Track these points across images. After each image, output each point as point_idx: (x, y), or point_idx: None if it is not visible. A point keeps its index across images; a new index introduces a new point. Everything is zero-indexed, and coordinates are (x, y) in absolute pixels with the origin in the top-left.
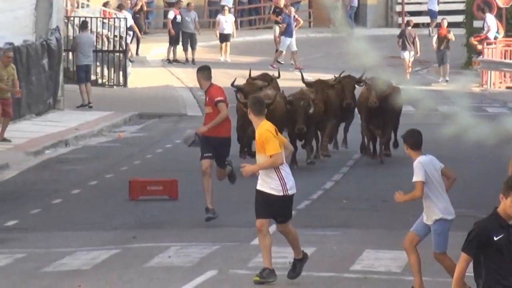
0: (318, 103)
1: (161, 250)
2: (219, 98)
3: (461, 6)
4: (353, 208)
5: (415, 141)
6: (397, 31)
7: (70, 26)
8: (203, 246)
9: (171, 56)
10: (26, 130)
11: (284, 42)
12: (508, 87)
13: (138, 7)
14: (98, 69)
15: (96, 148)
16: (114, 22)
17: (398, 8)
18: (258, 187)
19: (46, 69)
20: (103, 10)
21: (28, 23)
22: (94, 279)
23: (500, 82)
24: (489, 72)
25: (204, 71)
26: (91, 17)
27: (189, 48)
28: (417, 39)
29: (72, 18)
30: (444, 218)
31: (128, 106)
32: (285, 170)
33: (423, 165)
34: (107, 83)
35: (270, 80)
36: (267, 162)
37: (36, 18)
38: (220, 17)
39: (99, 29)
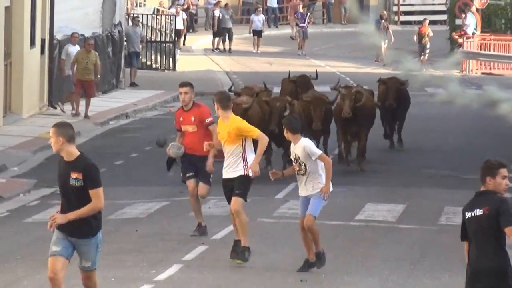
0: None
1: (202, 202)
2: (210, 120)
3: (444, 7)
4: (357, 169)
5: (293, 126)
6: (393, 27)
7: (129, 22)
8: None
9: (220, 46)
10: (94, 105)
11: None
12: (483, 73)
13: (186, 6)
14: (153, 56)
15: (150, 120)
16: (166, 19)
17: (395, 8)
18: (225, 176)
19: (110, 56)
20: (158, 9)
21: (96, 18)
22: (148, 225)
23: (477, 69)
24: (467, 60)
25: (189, 86)
26: (146, 14)
27: (227, 40)
28: (390, 29)
29: (131, 15)
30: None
31: (176, 85)
32: (251, 158)
33: (312, 143)
34: (159, 67)
35: (308, 81)
36: (264, 143)
37: (102, 14)
38: (253, 16)
39: (153, 24)
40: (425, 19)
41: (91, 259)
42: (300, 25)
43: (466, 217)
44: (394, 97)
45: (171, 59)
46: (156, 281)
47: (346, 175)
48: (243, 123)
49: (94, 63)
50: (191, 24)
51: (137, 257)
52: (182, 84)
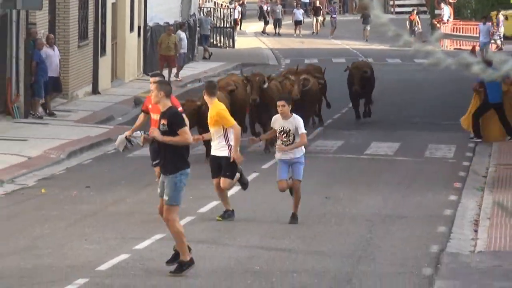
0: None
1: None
2: (179, 109)
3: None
4: (366, 119)
5: (290, 101)
6: (389, 16)
7: (201, 13)
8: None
9: (267, 31)
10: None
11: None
12: (455, 48)
13: (241, 2)
14: (218, 38)
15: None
16: (227, 11)
17: (391, 2)
18: (213, 153)
19: (187, 37)
20: (221, 4)
21: (177, 10)
22: None
23: (451, 45)
24: (444, 40)
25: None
26: (213, 8)
27: (277, 26)
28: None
29: (203, 8)
30: (304, 154)
31: (235, 59)
32: (232, 138)
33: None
34: (222, 46)
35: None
36: (237, 134)
37: (181, 7)
38: (295, 10)
39: (218, 14)
40: (413, 9)
41: (168, 194)
42: (332, 16)
43: None
44: (359, 83)
45: (231, 40)
46: None
47: (356, 122)
48: (222, 112)
49: (174, 42)
50: (261, 16)
51: (207, 181)
52: (151, 75)
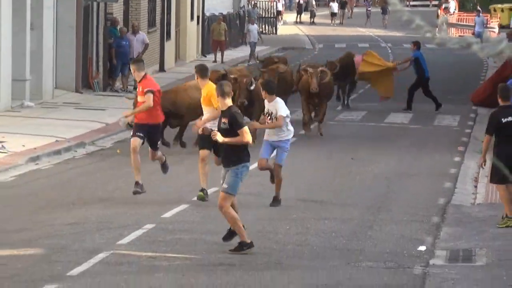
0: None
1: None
2: (147, 89)
3: None
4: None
5: (270, 87)
6: (405, 9)
7: (249, 4)
8: None
9: (302, 20)
10: (227, 55)
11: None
12: (459, 35)
13: None
14: (263, 25)
15: (262, 62)
16: (270, 4)
17: None
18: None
19: (238, 25)
20: None
21: (229, 3)
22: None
23: (456, 33)
24: (450, 28)
25: (137, 63)
26: (260, 1)
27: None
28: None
29: (252, 1)
30: (290, 137)
31: (277, 43)
32: None
33: (284, 104)
34: (267, 32)
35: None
36: (214, 115)
37: (233, 0)
38: (331, 3)
39: (263, 6)
40: (440, 3)
41: (228, 183)
42: (368, 9)
43: (503, 121)
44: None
45: (274, 28)
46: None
47: (375, 98)
48: (214, 91)
49: (224, 30)
50: (300, 9)
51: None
52: (131, 62)
